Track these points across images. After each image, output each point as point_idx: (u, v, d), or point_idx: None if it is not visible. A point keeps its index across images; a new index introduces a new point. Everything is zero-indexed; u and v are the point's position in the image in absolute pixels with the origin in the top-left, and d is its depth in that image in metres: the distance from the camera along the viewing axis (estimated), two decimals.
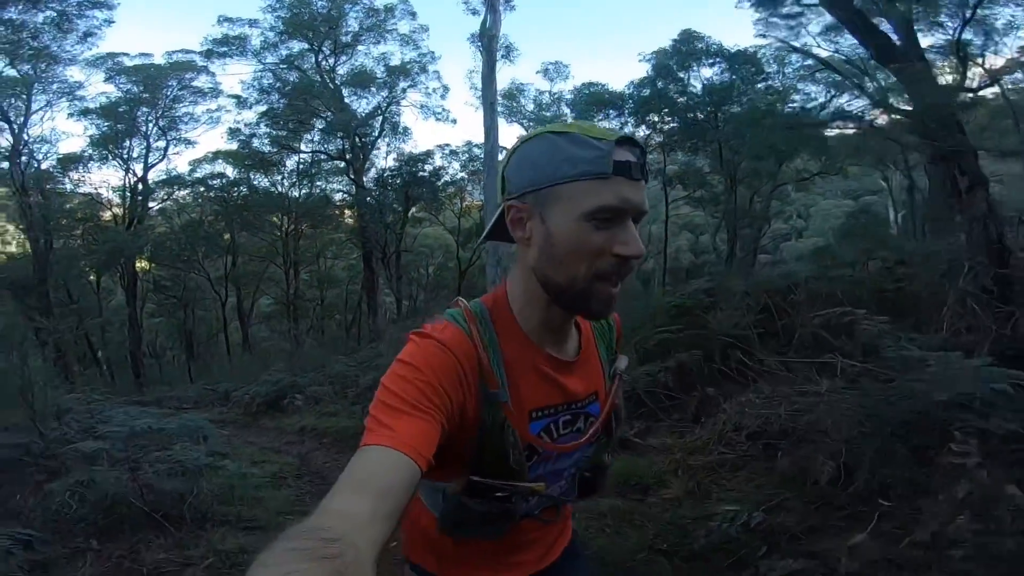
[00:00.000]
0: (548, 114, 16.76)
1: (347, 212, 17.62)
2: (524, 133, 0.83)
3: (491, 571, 0.92)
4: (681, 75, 13.07)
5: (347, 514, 0.53)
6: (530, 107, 18.01)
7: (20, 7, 13.23)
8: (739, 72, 12.58)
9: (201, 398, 9.07)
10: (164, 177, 17.71)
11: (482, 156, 13.84)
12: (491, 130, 13.15)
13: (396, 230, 13.35)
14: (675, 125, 13.36)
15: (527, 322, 0.81)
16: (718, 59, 13.18)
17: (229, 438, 4.37)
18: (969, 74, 5.91)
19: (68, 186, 17.58)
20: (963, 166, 4.49)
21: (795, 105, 12.43)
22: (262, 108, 15.70)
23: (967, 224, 4.45)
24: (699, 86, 13.55)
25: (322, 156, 15.98)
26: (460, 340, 0.75)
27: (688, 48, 13.34)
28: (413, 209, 14.71)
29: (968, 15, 5.68)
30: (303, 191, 17.83)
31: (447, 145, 17.35)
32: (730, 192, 14.60)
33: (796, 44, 10.28)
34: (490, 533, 0.86)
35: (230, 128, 16.20)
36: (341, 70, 16.35)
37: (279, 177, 17.76)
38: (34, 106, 14.93)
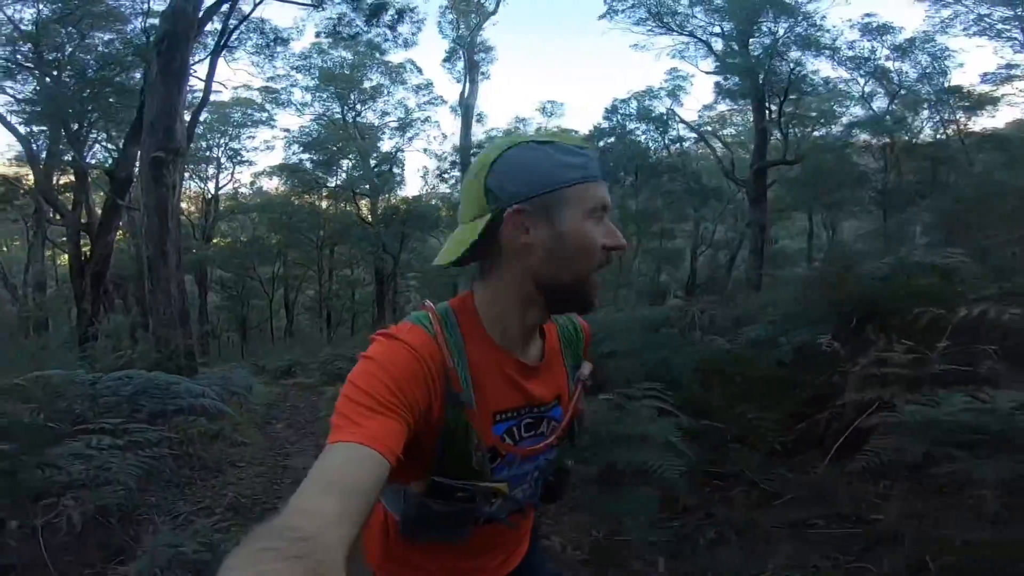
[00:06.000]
0: None
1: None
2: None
3: (455, 574, 0.98)
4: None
5: (316, 512, 0.56)
6: None
7: None
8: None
9: (249, 368, 15.02)
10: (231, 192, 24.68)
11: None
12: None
13: (395, 256, 18.90)
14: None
15: (495, 327, 0.87)
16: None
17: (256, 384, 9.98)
18: None
19: None
20: None
21: None
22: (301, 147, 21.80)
23: None
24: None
25: (350, 190, 21.89)
26: (425, 342, 0.81)
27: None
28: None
29: None
30: (339, 208, 23.92)
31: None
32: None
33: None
34: (452, 536, 0.90)
35: (280, 165, 22.54)
36: (369, 115, 22.18)
37: (315, 200, 23.94)
38: None
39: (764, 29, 13.96)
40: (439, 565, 0.97)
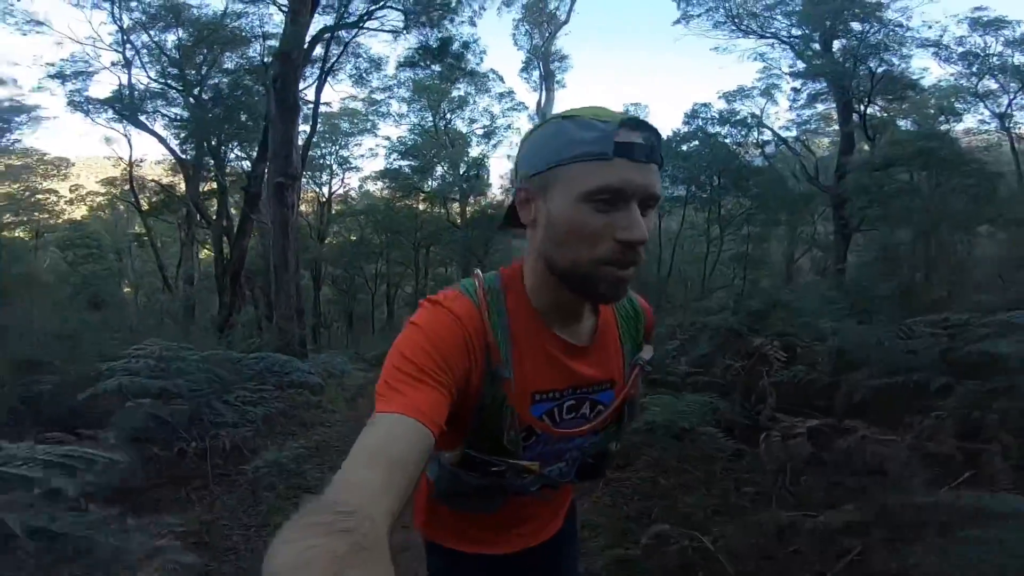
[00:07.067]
0: None
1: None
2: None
3: (486, 541, 1.03)
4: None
5: (361, 486, 0.58)
6: None
7: None
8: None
9: (350, 356, 17.17)
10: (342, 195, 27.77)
11: None
12: None
13: (480, 259, 20.52)
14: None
15: (539, 301, 0.85)
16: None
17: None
18: None
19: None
20: None
21: None
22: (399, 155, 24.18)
23: None
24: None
25: (442, 195, 23.84)
26: (470, 312, 0.81)
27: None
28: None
29: None
30: (434, 211, 26.03)
31: None
32: None
33: None
34: (484, 507, 0.94)
35: (382, 171, 25.07)
36: (458, 123, 24.07)
37: (414, 203, 26.21)
38: None
39: (849, 29, 13.65)
40: (476, 529, 1.02)
